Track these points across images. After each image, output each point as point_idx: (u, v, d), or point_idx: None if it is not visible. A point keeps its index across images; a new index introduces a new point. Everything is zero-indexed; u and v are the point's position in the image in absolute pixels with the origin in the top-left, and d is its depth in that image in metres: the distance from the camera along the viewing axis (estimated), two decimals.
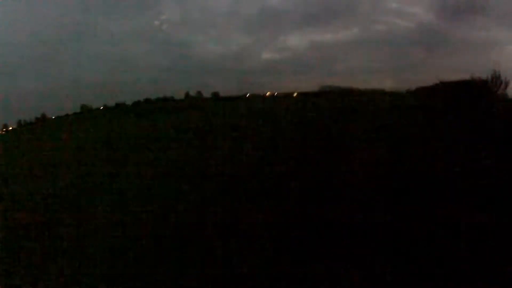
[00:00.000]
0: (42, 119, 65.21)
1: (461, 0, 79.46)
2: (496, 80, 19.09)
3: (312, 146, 9.37)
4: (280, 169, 6.93)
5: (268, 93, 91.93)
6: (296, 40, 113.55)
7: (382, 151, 8.44)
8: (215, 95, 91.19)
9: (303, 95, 76.33)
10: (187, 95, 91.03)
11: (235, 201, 4.96)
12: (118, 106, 72.29)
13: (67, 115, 65.71)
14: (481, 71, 18.15)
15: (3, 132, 55.57)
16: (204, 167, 7.44)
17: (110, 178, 7.39)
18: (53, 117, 65.65)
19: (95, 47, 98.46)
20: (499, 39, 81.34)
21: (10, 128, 59.10)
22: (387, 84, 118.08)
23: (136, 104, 74.18)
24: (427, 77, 79.00)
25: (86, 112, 66.62)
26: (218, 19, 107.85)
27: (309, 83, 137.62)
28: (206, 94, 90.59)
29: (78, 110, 69.56)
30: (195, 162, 8.43)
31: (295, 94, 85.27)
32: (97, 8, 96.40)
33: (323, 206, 4.70)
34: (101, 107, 72.44)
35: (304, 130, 12.78)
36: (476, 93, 21.09)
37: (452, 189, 5.31)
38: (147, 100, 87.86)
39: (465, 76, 21.39)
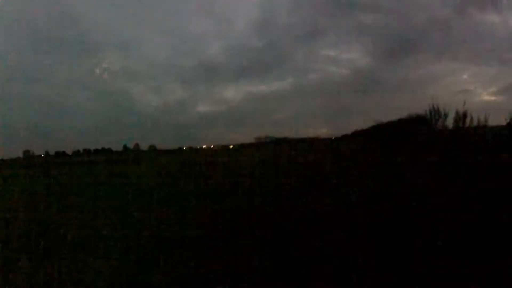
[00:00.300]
0: None
1: (397, 42, 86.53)
2: (434, 114, 17.53)
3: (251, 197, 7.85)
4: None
5: (204, 146, 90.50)
6: (232, 93, 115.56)
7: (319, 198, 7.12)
8: (152, 147, 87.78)
9: (239, 147, 75.12)
10: (125, 147, 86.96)
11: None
12: (59, 154, 77.22)
13: (11, 159, 64.02)
14: (421, 107, 17.11)
15: None
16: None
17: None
18: None
19: (40, 89, 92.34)
20: (437, 72, 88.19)
21: None
22: (323, 130, 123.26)
23: (76, 154, 79.24)
24: (366, 120, 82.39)
25: (29, 158, 66.11)
26: (157, 70, 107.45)
27: (245, 135, 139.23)
28: (143, 146, 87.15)
29: (21, 155, 72.00)
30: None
31: (231, 146, 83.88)
32: (44, 49, 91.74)
33: None
34: (43, 155, 75.60)
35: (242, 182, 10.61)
36: (414, 130, 19.77)
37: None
38: (86, 150, 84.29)
39: (404, 114, 21.01)
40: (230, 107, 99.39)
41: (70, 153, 77.95)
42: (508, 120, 11.13)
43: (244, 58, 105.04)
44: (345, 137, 44.38)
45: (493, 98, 69.05)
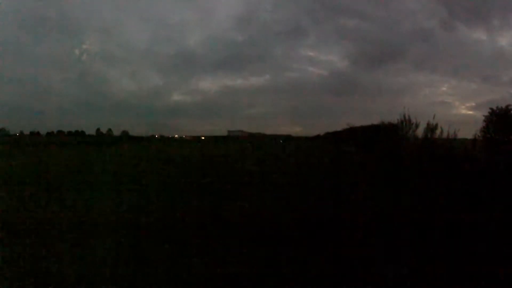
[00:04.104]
0: None
1: (378, 48, 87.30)
2: (405, 123, 17.99)
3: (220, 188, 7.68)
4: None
5: (176, 136, 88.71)
6: (208, 84, 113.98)
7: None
8: (125, 133, 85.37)
9: (211, 139, 74.33)
10: (98, 131, 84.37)
11: None
12: (33, 134, 75.74)
13: None
14: (396, 114, 17.50)
15: None
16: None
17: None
18: None
19: (18, 67, 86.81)
20: (416, 81, 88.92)
21: None
22: (296, 129, 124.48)
23: (50, 135, 78.05)
24: (339, 123, 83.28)
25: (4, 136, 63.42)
26: (134, 56, 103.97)
27: (218, 127, 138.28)
28: (116, 132, 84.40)
29: None
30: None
31: (203, 138, 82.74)
32: (24, 27, 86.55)
33: None
34: (17, 134, 73.62)
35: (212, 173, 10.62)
36: (384, 136, 20.31)
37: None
38: (60, 132, 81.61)
39: (378, 120, 21.11)
40: (205, 99, 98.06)
41: (44, 134, 78.26)
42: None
43: (223, 50, 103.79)
44: (317, 137, 45.03)
45: (470, 112, 71.13)
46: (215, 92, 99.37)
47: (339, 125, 41.02)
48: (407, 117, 19.52)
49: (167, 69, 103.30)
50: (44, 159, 15.39)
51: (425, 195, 6.69)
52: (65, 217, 4.81)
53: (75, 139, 49.34)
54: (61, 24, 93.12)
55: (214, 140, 62.62)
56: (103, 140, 46.71)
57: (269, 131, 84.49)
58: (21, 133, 75.11)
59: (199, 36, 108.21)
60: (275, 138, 59.38)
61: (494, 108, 9.19)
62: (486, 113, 9.62)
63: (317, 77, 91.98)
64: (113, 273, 3.12)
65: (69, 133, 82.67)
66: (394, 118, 20.24)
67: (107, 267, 3.24)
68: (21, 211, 5.27)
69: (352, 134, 25.35)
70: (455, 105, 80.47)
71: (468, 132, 13.95)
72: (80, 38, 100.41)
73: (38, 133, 78.52)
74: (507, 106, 8.77)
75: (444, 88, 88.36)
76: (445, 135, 16.37)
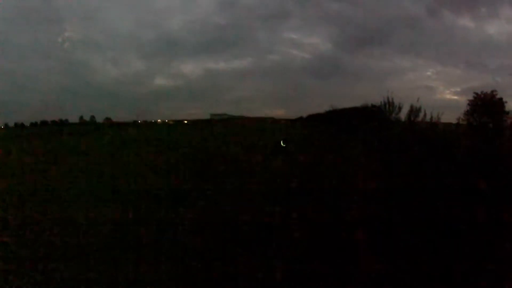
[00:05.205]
0: None
1: (362, 32, 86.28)
2: (388, 105, 17.63)
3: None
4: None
5: (159, 120, 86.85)
6: (190, 68, 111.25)
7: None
8: (108, 120, 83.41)
9: (194, 123, 72.98)
10: (81, 119, 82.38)
11: None
12: (17, 126, 73.28)
13: None
14: (379, 98, 17.33)
15: None
16: None
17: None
18: None
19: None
20: (401, 66, 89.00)
21: None
22: (279, 112, 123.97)
23: (33, 125, 75.04)
24: (322, 105, 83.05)
25: None
26: (117, 41, 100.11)
27: (201, 111, 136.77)
28: (99, 118, 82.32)
29: None
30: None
31: (185, 122, 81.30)
32: (6, 16, 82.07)
33: None
34: (2, 126, 71.82)
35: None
36: (367, 118, 19.88)
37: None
38: (44, 122, 79.48)
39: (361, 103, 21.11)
40: (187, 82, 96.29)
41: (28, 125, 75.98)
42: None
43: (205, 34, 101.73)
44: (300, 119, 44.62)
45: (455, 97, 71.20)
46: (197, 76, 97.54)
47: (322, 108, 40.67)
48: (390, 100, 19.25)
49: (149, 54, 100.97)
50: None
51: (406, 178, 6.44)
52: None
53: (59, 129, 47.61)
54: (43, 12, 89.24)
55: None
56: (85, 129, 45.14)
57: (252, 114, 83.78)
58: (6, 125, 73.29)
59: (181, 20, 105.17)
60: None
61: (479, 92, 8.70)
62: (471, 98, 9.16)
63: (300, 60, 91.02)
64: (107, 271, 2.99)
65: (53, 122, 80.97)
66: (377, 101, 19.87)
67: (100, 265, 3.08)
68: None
69: (334, 116, 24.95)
70: (439, 90, 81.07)
71: (452, 117, 13.67)
72: (62, 26, 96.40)
73: (22, 124, 76.26)
74: (492, 92, 8.29)
75: (428, 73, 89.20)
76: (428, 118, 16.08)
